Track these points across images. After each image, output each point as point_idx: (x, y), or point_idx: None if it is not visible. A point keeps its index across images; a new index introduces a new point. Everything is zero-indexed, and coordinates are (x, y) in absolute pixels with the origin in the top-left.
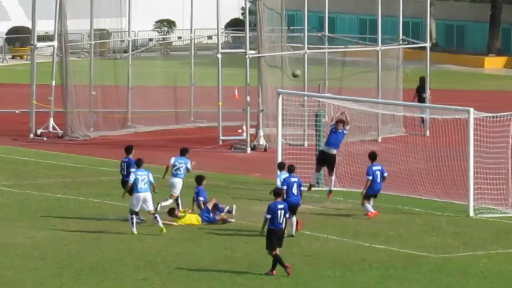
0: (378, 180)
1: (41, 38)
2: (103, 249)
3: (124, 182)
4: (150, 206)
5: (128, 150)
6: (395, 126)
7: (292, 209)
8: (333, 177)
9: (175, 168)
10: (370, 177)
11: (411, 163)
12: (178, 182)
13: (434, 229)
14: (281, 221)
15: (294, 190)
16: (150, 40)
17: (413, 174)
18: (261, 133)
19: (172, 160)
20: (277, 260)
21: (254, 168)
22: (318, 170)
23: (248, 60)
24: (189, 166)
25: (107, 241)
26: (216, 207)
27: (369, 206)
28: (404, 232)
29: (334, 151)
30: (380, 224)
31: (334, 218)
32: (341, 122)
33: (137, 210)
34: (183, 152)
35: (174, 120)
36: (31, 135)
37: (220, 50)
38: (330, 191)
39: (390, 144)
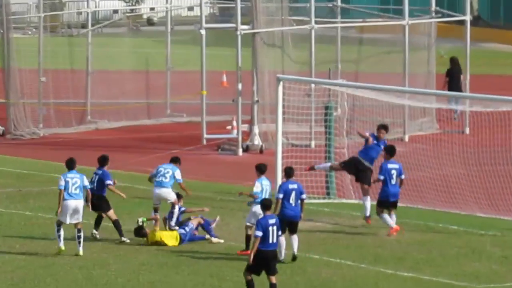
0: (393, 182)
1: None
2: (56, 277)
3: (95, 197)
4: (80, 218)
5: (103, 161)
6: (426, 122)
7: (289, 225)
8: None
9: (159, 174)
10: (382, 177)
11: (447, 168)
12: (167, 192)
13: (476, 252)
14: (274, 241)
15: (292, 200)
16: (115, 12)
17: (449, 182)
18: (256, 130)
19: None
20: (251, 286)
21: (247, 175)
22: (334, 167)
23: (239, 37)
24: (177, 176)
25: (61, 268)
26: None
27: (387, 217)
28: (438, 256)
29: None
30: (407, 246)
31: (349, 238)
32: (383, 128)
33: (67, 221)
34: (174, 160)
35: (146, 114)
36: None
37: (204, 25)
38: (368, 217)
39: (419, 144)
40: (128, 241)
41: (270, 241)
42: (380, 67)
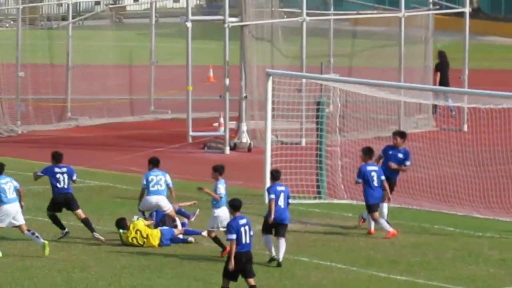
0: (376, 184)
1: None
2: (34, 281)
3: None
4: (21, 219)
5: (60, 157)
6: (423, 119)
7: (277, 228)
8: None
9: (152, 183)
10: (360, 180)
11: (443, 168)
12: (165, 200)
13: (472, 255)
14: (247, 241)
15: (281, 202)
16: (97, 3)
17: (445, 183)
18: (244, 127)
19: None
20: None
21: (235, 174)
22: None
23: (227, 30)
24: (168, 180)
25: (39, 271)
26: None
27: (384, 222)
28: (433, 259)
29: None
30: (401, 249)
31: (341, 240)
32: (398, 134)
33: (4, 225)
34: (156, 163)
35: (129, 111)
36: None
37: (190, 17)
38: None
39: (415, 142)
40: (102, 238)
41: (243, 241)
42: (375, 61)
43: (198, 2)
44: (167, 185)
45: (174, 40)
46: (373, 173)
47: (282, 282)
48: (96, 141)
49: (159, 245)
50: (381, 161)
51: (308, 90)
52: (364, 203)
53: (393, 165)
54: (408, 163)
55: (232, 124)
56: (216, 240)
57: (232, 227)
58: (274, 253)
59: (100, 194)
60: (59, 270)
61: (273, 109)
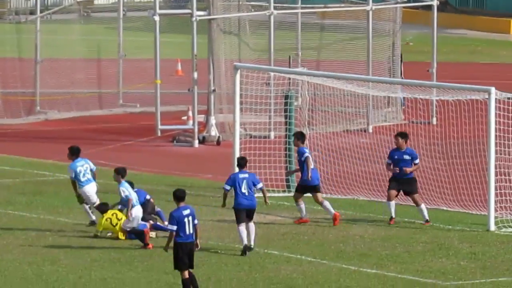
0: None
1: None
2: (4, 274)
3: None
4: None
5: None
6: (391, 112)
7: (246, 214)
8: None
9: (81, 175)
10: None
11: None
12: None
13: (443, 248)
14: (190, 232)
15: (245, 189)
16: None
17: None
18: (212, 121)
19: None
20: (187, 286)
21: (204, 168)
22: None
23: (195, 24)
24: (91, 165)
25: (10, 264)
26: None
27: (327, 204)
28: (403, 252)
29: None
30: (371, 242)
31: (310, 233)
32: (400, 136)
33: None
34: (78, 152)
35: (97, 104)
36: None
37: (158, 11)
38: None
39: (384, 136)
40: None
41: (187, 232)
42: (343, 54)
43: None
44: (91, 170)
45: (142, 33)
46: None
47: (252, 275)
48: (65, 134)
49: (126, 237)
50: (392, 166)
51: (276, 84)
52: (335, 196)
53: (408, 169)
54: (417, 161)
55: (201, 118)
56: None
57: (173, 217)
58: (246, 241)
59: (70, 187)
60: (30, 263)
61: (241, 103)
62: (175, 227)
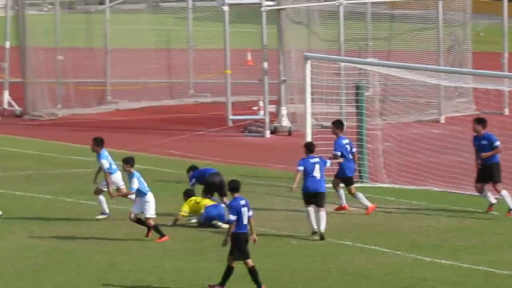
0: (350, 156)
1: None
2: (79, 264)
3: None
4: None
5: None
6: (463, 102)
7: (315, 199)
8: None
9: (112, 164)
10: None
11: None
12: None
13: None
14: (245, 222)
15: (316, 173)
16: None
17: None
18: (283, 111)
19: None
20: (255, 273)
21: (275, 158)
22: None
23: (264, 14)
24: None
25: (84, 254)
26: None
27: (361, 196)
28: (478, 243)
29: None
30: (445, 233)
31: (384, 224)
32: (476, 121)
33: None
34: (101, 143)
35: (168, 94)
36: None
37: (227, 1)
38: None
39: (456, 126)
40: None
41: (243, 222)
42: (412, 45)
43: None
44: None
45: (211, 24)
46: (347, 146)
47: (326, 266)
48: (136, 124)
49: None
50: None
51: (347, 74)
52: (406, 187)
53: (484, 154)
54: (497, 143)
55: (272, 108)
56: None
57: (233, 208)
58: (315, 227)
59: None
60: (104, 253)
61: (312, 93)
62: (235, 217)
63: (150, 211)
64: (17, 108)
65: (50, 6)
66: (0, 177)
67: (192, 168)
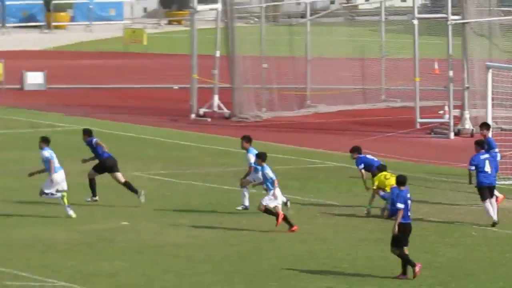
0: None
1: (203, 0)
2: (279, 251)
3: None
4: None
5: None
6: None
7: (490, 191)
8: None
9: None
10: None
11: None
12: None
13: None
14: (410, 213)
15: (487, 168)
16: (332, 2)
17: None
18: (466, 115)
19: None
20: (406, 258)
21: (459, 157)
22: None
23: (450, 27)
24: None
25: (283, 242)
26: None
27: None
28: None
29: None
30: None
31: None
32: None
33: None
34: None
35: (361, 99)
36: (193, 116)
37: (417, 15)
38: None
39: None
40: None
41: (408, 214)
42: None
43: (423, 1)
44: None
45: (402, 35)
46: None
47: (504, 255)
48: (332, 126)
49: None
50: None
51: None
52: None
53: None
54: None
55: (456, 112)
56: (267, 211)
57: (401, 197)
58: (495, 218)
59: (338, 174)
60: (302, 241)
61: (493, 99)
62: (403, 206)
63: (278, 200)
64: (225, 111)
65: (256, 19)
66: (210, 173)
67: (357, 150)
